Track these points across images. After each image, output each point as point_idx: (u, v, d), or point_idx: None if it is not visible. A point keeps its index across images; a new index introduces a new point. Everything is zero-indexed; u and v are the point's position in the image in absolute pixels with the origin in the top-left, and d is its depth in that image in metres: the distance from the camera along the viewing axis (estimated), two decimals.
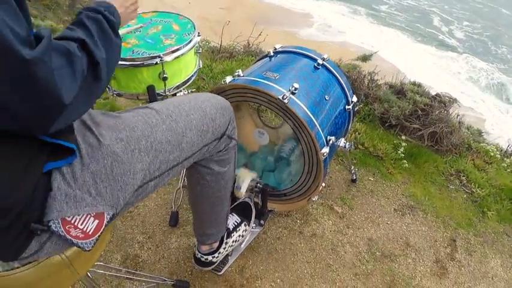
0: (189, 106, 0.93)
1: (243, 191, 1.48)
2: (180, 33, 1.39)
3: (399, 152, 2.27)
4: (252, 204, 1.55)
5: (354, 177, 2.01)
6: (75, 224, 0.69)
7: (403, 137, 2.44)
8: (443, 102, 2.78)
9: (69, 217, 0.69)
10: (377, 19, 27.02)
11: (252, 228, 1.56)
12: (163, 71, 1.28)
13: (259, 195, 1.54)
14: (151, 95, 1.26)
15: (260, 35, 3.92)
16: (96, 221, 0.71)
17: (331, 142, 1.39)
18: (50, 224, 0.68)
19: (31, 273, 0.78)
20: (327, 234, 1.72)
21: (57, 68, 0.57)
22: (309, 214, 1.79)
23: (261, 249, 1.61)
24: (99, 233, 0.72)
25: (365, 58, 3.26)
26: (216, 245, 1.35)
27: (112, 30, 0.74)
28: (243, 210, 1.53)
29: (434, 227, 1.90)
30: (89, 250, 0.72)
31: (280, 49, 1.67)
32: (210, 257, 1.36)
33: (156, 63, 1.25)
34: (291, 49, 1.66)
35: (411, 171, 2.20)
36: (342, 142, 1.55)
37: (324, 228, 1.74)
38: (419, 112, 2.59)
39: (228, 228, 1.40)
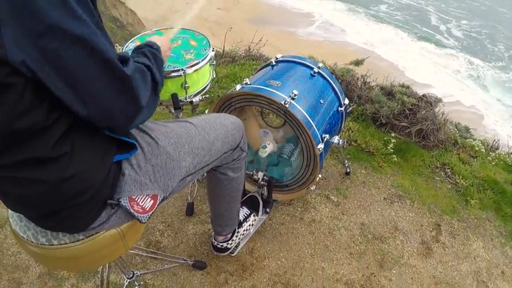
0: (215, 123, 1.20)
1: (267, 152, 1.75)
2: (198, 49, 1.63)
3: (389, 147, 2.51)
4: (259, 198, 1.80)
5: (348, 170, 2.24)
6: (138, 201, 0.93)
7: (393, 134, 2.68)
8: (429, 102, 3.01)
9: (134, 196, 0.93)
10: (376, 18, 27.17)
11: (260, 217, 1.80)
12: (186, 81, 1.53)
13: (265, 187, 1.78)
14: (175, 101, 1.50)
15: (260, 40, 4.15)
16: (152, 201, 0.96)
17: (325, 139, 1.64)
18: (120, 200, 0.91)
19: (92, 244, 1.00)
20: (324, 219, 1.96)
21: (138, 81, 0.82)
22: (308, 203, 2.03)
23: (267, 233, 1.85)
24: (153, 210, 0.97)
25: (358, 63, 3.48)
26: (230, 235, 1.61)
27: (161, 62, 1.01)
28: (251, 203, 1.79)
29: (421, 213, 2.14)
30: (144, 222, 0.96)
31: (280, 58, 1.91)
32: (225, 244, 1.63)
33: (180, 75, 1.49)
34: (290, 58, 1.90)
35: (400, 165, 2.44)
36: (335, 139, 1.80)
37: (321, 215, 1.98)
38: (407, 111, 2.82)
39: (240, 220, 1.67)
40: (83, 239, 0.98)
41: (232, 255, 1.70)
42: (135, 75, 0.81)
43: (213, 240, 1.65)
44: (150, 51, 0.99)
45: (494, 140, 3.23)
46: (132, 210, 0.92)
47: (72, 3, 0.67)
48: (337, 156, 2.40)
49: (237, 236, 1.66)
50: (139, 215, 0.94)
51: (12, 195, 0.86)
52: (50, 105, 0.73)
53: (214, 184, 1.39)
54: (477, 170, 2.57)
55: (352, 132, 2.59)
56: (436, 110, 2.98)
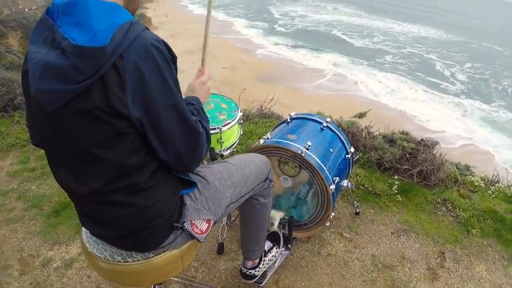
0: (248, 161, 1.56)
1: (275, 226, 2.07)
2: (229, 110, 2.06)
3: (393, 189, 2.83)
4: (280, 233, 2.14)
5: (358, 211, 2.57)
6: (196, 225, 1.27)
7: (396, 177, 3.00)
8: (427, 145, 3.35)
9: (194, 221, 1.27)
10: (381, 69, 28.00)
11: (282, 251, 2.12)
12: (221, 137, 1.93)
13: (286, 226, 2.12)
14: (212, 154, 1.87)
15: (272, 99, 4.64)
16: (207, 224, 1.31)
17: (336, 181, 2.01)
18: (184, 224, 1.26)
19: (159, 261, 1.26)
20: (339, 253, 2.26)
21: (203, 135, 1.18)
22: (324, 240, 2.35)
23: (289, 266, 2.16)
24: (208, 231, 1.31)
25: (361, 115, 3.90)
26: (257, 261, 1.93)
27: (206, 116, 1.33)
28: (274, 238, 2.12)
29: (425, 244, 2.41)
30: (202, 242, 1.30)
31: (294, 116, 2.34)
32: (253, 271, 1.93)
33: (217, 132, 1.90)
34: (302, 116, 2.34)
35: (404, 203, 2.75)
36: (345, 182, 2.16)
37: (336, 249, 2.29)
38: (408, 155, 3.16)
39: (265, 250, 1.98)
40: (152, 257, 1.26)
41: (261, 285, 2.00)
42: (203, 131, 1.16)
43: (242, 268, 1.93)
44: (195, 108, 1.28)
45: (494, 175, 3.50)
46: (193, 232, 1.26)
47: (171, 83, 1.02)
48: (347, 199, 2.73)
49: (263, 264, 1.94)
50: (198, 235, 1.27)
51: (102, 217, 1.15)
52: (147, 150, 1.07)
53: (248, 209, 1.70)
54: (477, 203, 2.83)
55: (359, 177, 2.93)
56: (434, 151, 3.31)
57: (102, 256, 1.27)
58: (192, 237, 1.29)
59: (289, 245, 2.17)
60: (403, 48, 35.98)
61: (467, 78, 27.82)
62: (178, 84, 1.06)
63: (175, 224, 1.24)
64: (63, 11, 0.99)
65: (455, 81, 26.75)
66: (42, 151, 3.47)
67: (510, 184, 3.40)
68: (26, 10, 35.33)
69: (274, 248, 2.05)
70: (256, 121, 4.03)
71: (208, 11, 1.52)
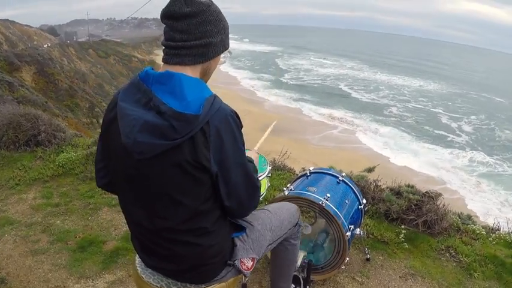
0: (283, 208, 1.88)
1: (298, 264, 2.39)
2: (260, 164, 2.42)
3: (400, 237, 3.14)
4: (300, 276, 2.45)
5: (368, 257, 2.88)
6: (244, 262, 1.55)
7: (403, 226, 3.32)
8: (431, 196, 3.69)
9: (242, 259, 1.56)
10: (387, 122, 28.50)
11: None
12: None
13: (305, 269, 2.44)
14: None
15: (286, 153, 5.01)
16: (252, 262, 1.58)
17: (351, 229, 2.36)
18: (235, 262, 1.50)
19: None
20: None
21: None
22: (338, 283, 2.65)
23: None
24: (252, 268, 1.59)
25: (370, 170, 4.29)
26: None
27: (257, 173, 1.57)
28: (295, 281, 2.42)
29: (431, 286, 2.69)
30: (248, 277, 1.62)
31: (313, 171, 2.74)
32: None
33: None
34: (319, 170, 2.75)
35: (410, 251, 3.05)
36: (358, 231, 2.51)
37: None
38: (413, 206, 3.50)
39: None
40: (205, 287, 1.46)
41: None
42: (259, 184, 1.40)
43: None
44: (253, 166, 1.52)
45: (494, 223, 3.79)
46: (241, 269, 1.54)
47: (241, 146, 1.27)
48: (358, 246, 3.04)
49: None
50: (245, 271, 1.55)
51: (167, 252, 1.34)
52: (215, 198, 1.29)
53: (280, 250, 1.95)
54: (478, 249, 3.11)
55: (369, 226, 3.26)
56: (438, 202, 3.65)
57: (159, 286, 1.44)
58: (239, 272, 1.56)
59: (307, 286, 2.48)
60: (408, 102, 36.82)
61: (474, 130, 28.23)
62: (244, 146, 1.33)
63: (228, 261, 1.48)
64: (158, 80, 1.22)
65: (461, 133, 27.13)
66: (66, 188, 3.96)
67: (510, 231, 3.68)
68: (41, 47, 35.73)
69: None
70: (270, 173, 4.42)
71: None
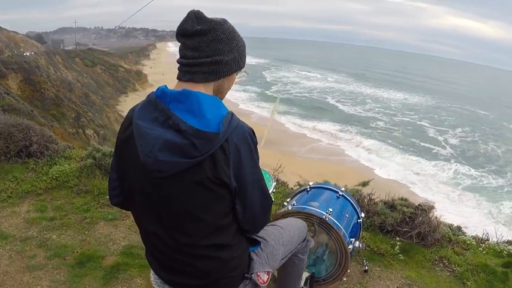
0: (293, 225, 1.93)
1: (303, 279, 2.43)
2: (266, 180, 2.49)
3: (395, 249, 3.22)
4: None
5: (366, 268, 2.94)
6: (260, 276, 1.58)
7: (397, 238, 3.40)
8: (424, 209, 3.80)
9: (259, 272, 1.58)
10: (373, 135, 28.82)
11: None
12: None
13: (308, 281, 2.49)
14: None
15: (280, 167, 5.06)
16: (267, 275, 1.61)
17: (352, 241, 2.42)
18: (252, 275, 1.51)
19: None
20: None
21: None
22: None
23: None
24: (268, 281, 1.62)
25: (364, 184, 4.38)
26: None
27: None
28: None
29: None
30: None
31: (312, 186, 2.80)
32: None
33: None
34: (319, 185, 2.81)
35: (406, 262, 3.13)
36: (357, 243, 2.57)
37: None
38: (407, 219, 3.59)
39: None
40: None
41: None
42: (271, 201, 1.48)
43: None
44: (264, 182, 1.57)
45: (483, 233, 3.91)
46: (257, 282, 1.57)
47: (257, 162, 1.31)
48: (356, 259, 3.11)
49: None
50: (261, 285, 1.58)
51: (188, 268, 1.36)
52: (233, 213, 1.33)
53: (288, 265, 1.98)
54: (470, 259, 3.22)
55: (365, 239, 3.33)
56: (430, 215, 3.74)
57: None
58: (256, 286, 1.55)
59: None
60: (395, 116, 37.38)
61: (460, 142, 28.79)
62: (259, 162, 1.37)
63: (246, 274, 1.51)
64: (176, 98, 1.23)
65: (446, 146, 27.63)
66: (60, 202, 3.91)
67: (499, 241, 3.80)
68: (27, 54, 35.31)
69: None
70: None
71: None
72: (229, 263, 1.41)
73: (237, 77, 1.43)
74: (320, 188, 2.78)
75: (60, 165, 4.62)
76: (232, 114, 1.28)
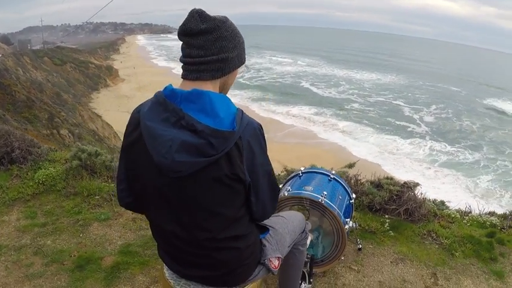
0: (294, 216, 2.00)
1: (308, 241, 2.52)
2: None
3: (385, 226, 3.36)
4: (306, 273, 2.58)
5: (360, 247, 3.06)
6: (272, 261, 1.64)
7: (386, 216, 3.54)
8: (409, 187, 3.95)
9: (271, 258, 1.65)
10: (348, 117, 29.13)
11: (307, 286, 2.56)
12: None
13: (308, 263, 2.58)
14: None
15: None
16: (278, 261, 1.68)
17: (347, 222, 2.52)
18: (265, 261, 1.57)
19: None
20: (352, 282, 2.74)
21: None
22: (337, 273, 2.82)
23: None
24: (279, 266, 1.68)
25: (351, 166, 4.51)
26: None
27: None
28: (301, 277, 2.55)
29: (419, 268, 2.92)
30: (275, 274, 1.69)
31: (304, 170, 2.88)
32: None
33: None
34: (311, 170, 2.89)
35: (396, 238, 3.27)
36: (351, 223, 2.67)
37: (349, 280, 2.76)
38: (394, 197, 3.73)
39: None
40: None
41: None
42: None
43: None
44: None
45: (466, 207, 4.11)
46: (270, 267, 1.64)
47: (267, 155, 1.36)
48: (349, 238, 3.22)
49: None
50: (273, 269, 1.65)
51: (207, 261, 1.39)
52: (246, 204, 1.38)
53: (289, 257, 2.04)
54: (456, 231, 3.40)
55: (355, 219, 3.45)
56: (416, 191, 3.91)
57: None
58: (268, 271, 1.62)
59: (311, 280, 2.62)
60: (369, 97, 37.86)
61: (435, 119, 29.41)
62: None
63: (260, 261, 1.58)
64: (187, 98, 1.24)
65: (421, 123, 28.22)
66: (50, 206, 3.89)
67: (481, 213, 4.01)
68: None
69: (303, 284, 2.49)
70: None
71: None
72: (245, 251, 1.46)
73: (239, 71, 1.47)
74: (312, 173, 2.87)
75: (45, 169, 4.52)
76: (242, 111, 1.32)
